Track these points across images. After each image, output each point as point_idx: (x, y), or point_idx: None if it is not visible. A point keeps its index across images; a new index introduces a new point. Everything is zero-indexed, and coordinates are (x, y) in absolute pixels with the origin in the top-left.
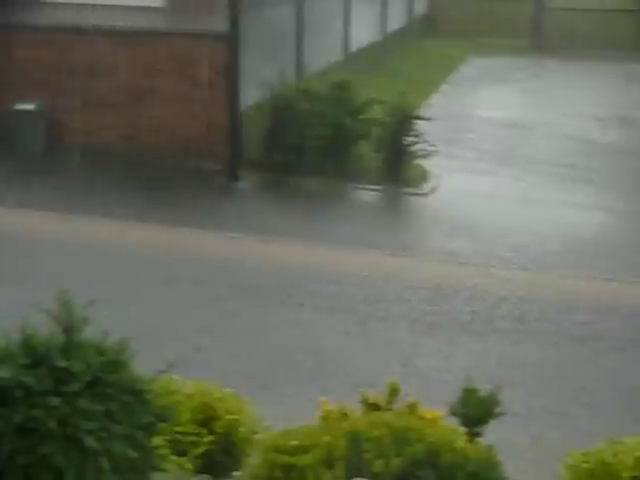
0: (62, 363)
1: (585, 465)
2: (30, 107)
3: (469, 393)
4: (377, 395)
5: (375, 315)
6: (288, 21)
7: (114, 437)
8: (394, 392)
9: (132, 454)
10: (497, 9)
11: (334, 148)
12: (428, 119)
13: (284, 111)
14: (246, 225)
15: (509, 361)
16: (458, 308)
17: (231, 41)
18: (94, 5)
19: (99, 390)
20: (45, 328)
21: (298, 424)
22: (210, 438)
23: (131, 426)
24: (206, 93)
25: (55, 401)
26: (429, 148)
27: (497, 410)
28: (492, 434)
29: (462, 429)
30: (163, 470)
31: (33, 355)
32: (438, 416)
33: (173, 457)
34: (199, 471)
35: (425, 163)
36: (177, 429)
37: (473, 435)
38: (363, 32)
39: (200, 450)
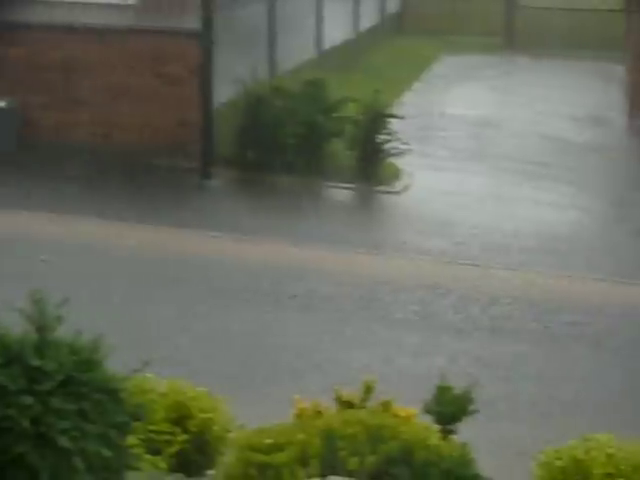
0: (35, 362)
1: (558, 462)
2: (1, 105)
3: (443, 391)
4: (351, 393)
5: (350, 312)
6: (261, 19)
7: (88, 436)
8: (368, 390)
9: (106, 453)
10: (469, 7)
11: (307, 146)
12: (401, 117)
13: (257, 109)
14: (217, 223)
15: (484, 359)
16: (432, 305)
17: (204, 39)
18: (67, 3)
19: (72, 389)
20: (18, 327)
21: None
22: (184, 437)
23: (105, 425)
24: (179, 91)
25: (28, 400)
26: (402, 146)
27: (471, 408)
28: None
29: (436, 427)
30: (137, 469)
31: (6, 354)
32: (412, 414)
33: (147, 456)
34: (173, 470)
35: (398, 161)
36: (151, 428)
37: (447, 432)
38: (336, 30)
39: (174, 449)
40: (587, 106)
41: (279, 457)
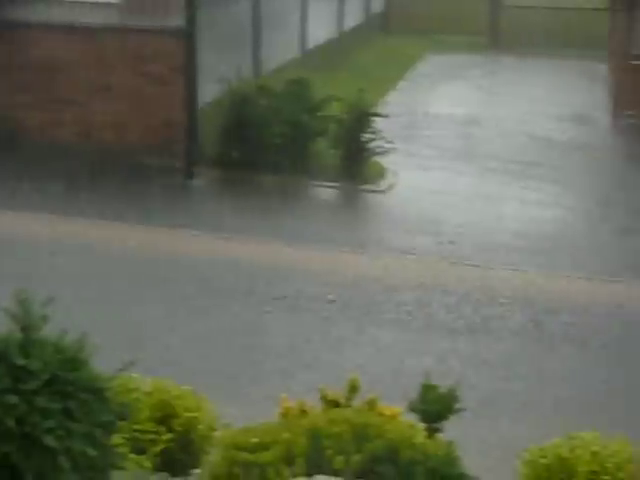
0: (20, 361)
1: (543, 460)
2: None
3: (428, 389)
4: (336, 392)
5: (336, 312)
6: (245, 18)
7: (73, 435)
8: (353, 389)
9: (91, 452)
10: (454, 6)
11: (292, 145)
12: (385, 116)
13: (241, 108)
14: (201, 223)
15: (471, 358)
16: (418, 304)
17: (188, 37)
18: (50, 1)
19: (58, 388)
20: (2, 326)
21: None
22: (169, 436)
23: (90, 424)
24: (163, 90)
25: (13, 399)
26: (387, 145)
27: (456, 406)
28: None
29: (421, 425)
30: (122, 468)
31: None
32: (397, 412)
33: (132, 455)
34: (158, 469)
35: (383, 160)
36: (136, 427)
37: (432, 431)
38: (320, 29)
39: (159, 448)
40: (572, 105)
41: (264, 456)
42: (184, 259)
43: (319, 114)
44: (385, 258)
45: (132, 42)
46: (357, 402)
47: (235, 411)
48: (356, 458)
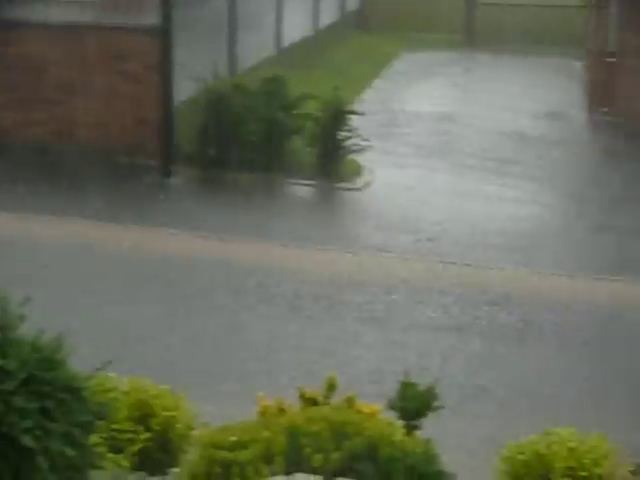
0: None
1: (520, 456)
2: None
3: (407, 387)
4: (314, 390)
5: (313, 310)
6: (221, 16)
7: (51, 435)
8: (331, 387)
9: (70, 452)
10: (429, 4)
11: (268, 143)
12: (361, 114)
13: (217, 106)
14: (178, 221)
15: (448, 356)
16: (393, 302)
17: (163, 35)
18: None
19: (35, 388)
20: None
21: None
22: (147, 435)
23: (68, 424)
24: (139, 88)
25: None
26: (362, 143)
27: (435, 403)
28: None
29: (400, 422)
30: (101, 468)
31: None
32: (376, 410)
33: (109, 455)
34: (136, 468)
35: (359, 158)
36: (113, 426)
37: (411, 428)
38: (295, 27)
39: (137, 447)
40: (547, 102)
41: (243, 455)
42: (162, 258)
43: (295, 112)
44: (362, 256)
45: (107, 40)
46: (336, 400)
47: (212, 409)
48: (335, 456)
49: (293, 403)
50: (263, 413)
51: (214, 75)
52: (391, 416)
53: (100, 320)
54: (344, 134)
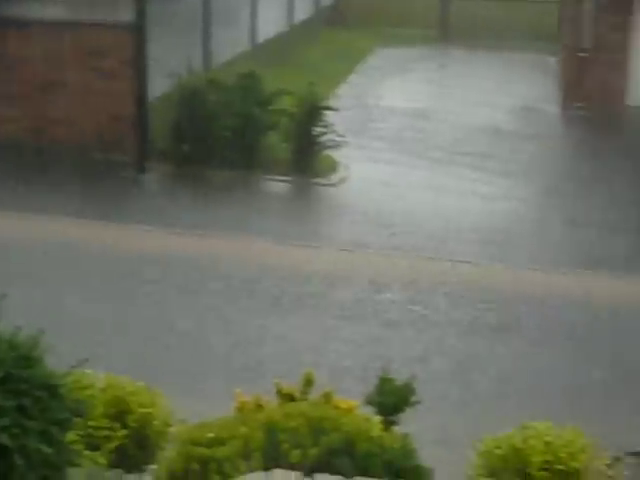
0: None
1: (497, 451)
2: None
3: (385, 382)
4: (291, 386)
5: (290, 306)
6: (195, 11)
7: (28, 433)
8: (309, 383)
9: (47, 450)
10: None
11: (243, 139)
12: (336, 110)
13: (192, 102)
14: (153, 218)
15: (423, 353)
16: (368, 298)
17: (138, 31)
18: None
19: (12, 386)
20: None
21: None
22: (123, 432)
23: (46, 422)
24: (113, 84)
25: None
26: (338, 139)
27: (412, 398)
28: None
29: (377, 418)
30: (78, 465)
31: None
32: (353, 406)
33: (86, 452)
34: (113, 465)
35: (334, 154)
36: (90, 424)
37: (389, 424)
38: (270, 23)
39: (113, 444)
40: (522, 97)
41: (221, 451)
42: (136, 255)
43: (270, 108)
44: (337, 251)
45: (82, 37)
46: (313, 395)
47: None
48: (313, 451)
49: (270, 399)
50: (241, 409)
51: (188, 70)
52: (369, 411)
53: (75, 318)
54: (319, 130)
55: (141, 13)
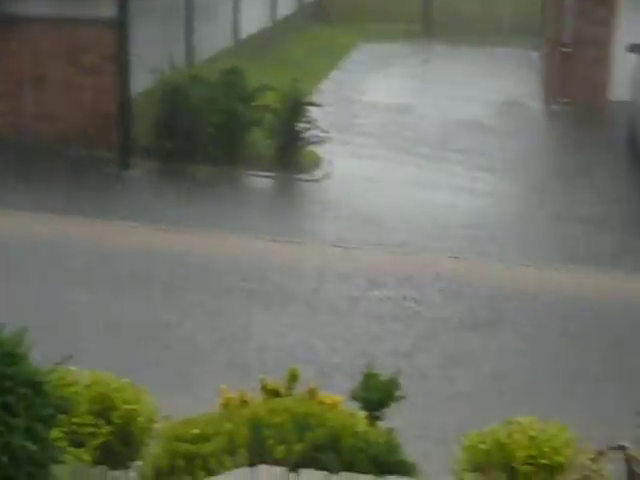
0: None
1: (482, 446)
2: None
3: (369, 377)
4: (276, 381)
5: (274, 303)
6: (178, 6)
7: (13, 430)
8: (293, 378)
9: (31, 447)
10: None
11: (226, 135)
12: (320, 105)
13: (175, 98)
14: (137, 214)
15: (404, 350)
16: (350, 293)
17: (120, 27)
18: None
19: None
20: None
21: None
22: (108, 429)
23: (31, 419)
24: (95, 80)
25: None
26: (321, 134)
27: (397, 393)
28: None
29: (362, 413)
30: (62, 462)
31: None
32: (338, 401)
33: (71, 449)
34: (97, 462)
35: (317, 149)
36: (74, 420)
37: (374, 419)
38: (253, 18)
39: (98, 441)
40: (504, 92)
41: (206, 447)
42: (121, 251)
43: (253, 104)
44: (321, 247)
45: (64, 32)
46: (298, 391)
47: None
48: (298, 447)
49: (255, 395)
50: (226, 405)
51: (171, 66)
52: (354, 407)
53: (58, 315)
54: (303, 125)
55: (123, 9)
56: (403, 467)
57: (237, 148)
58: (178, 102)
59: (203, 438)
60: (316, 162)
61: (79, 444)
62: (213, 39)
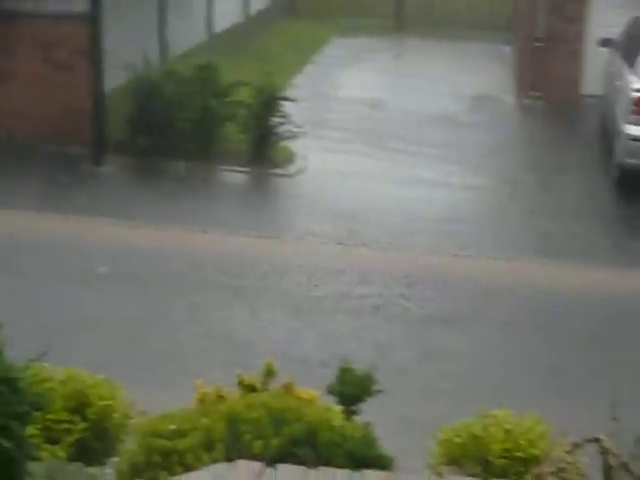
0: None
1: (457, 439)
2: None
3: (345, 372)
4: (253, 376)
5: (251, 298)
6: (151, 1)
7: None
8: (270, 373)
9: (6, 444)
10: None
11: (200, 130)
12: (294, 100)
13: (149, 94)
14: (111, 210)
15: (383, 343)
16: (325, 288)
17: (93, 22)
18: None
19: None
20: None
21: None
22: (83, 425)
23: (5, 416)
24: (68, 76)
25: None
26: (295, 129)
27: (373, 388)
28: None
29: (339, 407)
30: (38, 459)
31: None
32: (315, 396)
33: (46, 446)
34: (73, 459)
35: (291, 144)
36: (49, 417)
37: (350, 413)
38: (226, 13)
39: (73, 438)
40: (477, 87)
41: (183, 443)
42: (94, 247)
43: (227, 99)
44: (295, 242)
45: (36, 27)
46: (274, 386)
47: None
48: (275, 442)
49: (231, 390)
50: (202, 400)
51: (145, 62)
52: (330, 401)
53: (35, 313)
54: (277, 120)
55: (96, 3)
56: (380, 461)
57: (211, 143)
58: (152, 98)
59: (180, 434)
60: (290, 157)
61: (54, 441)
62: (187, 34)
